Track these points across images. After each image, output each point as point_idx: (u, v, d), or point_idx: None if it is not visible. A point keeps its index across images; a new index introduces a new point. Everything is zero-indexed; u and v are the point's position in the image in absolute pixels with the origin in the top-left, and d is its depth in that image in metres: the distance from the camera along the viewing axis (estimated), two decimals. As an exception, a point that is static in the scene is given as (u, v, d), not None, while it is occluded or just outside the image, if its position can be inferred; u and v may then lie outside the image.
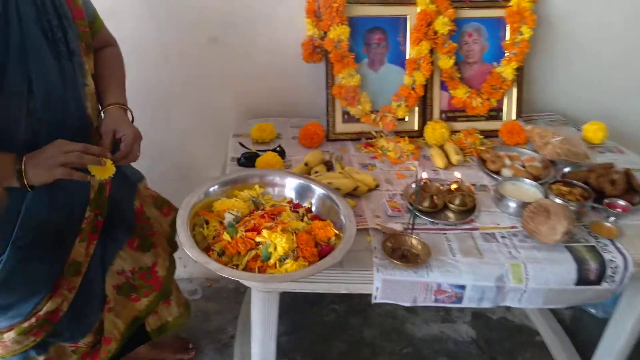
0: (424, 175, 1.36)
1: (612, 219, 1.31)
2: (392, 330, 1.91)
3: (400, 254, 1.17)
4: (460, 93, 1.64)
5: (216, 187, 1.19)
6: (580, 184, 1.36)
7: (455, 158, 1.54)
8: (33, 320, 1.20)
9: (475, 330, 1.94)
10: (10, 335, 1.22)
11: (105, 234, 1.30)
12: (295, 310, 1.97)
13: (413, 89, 1.62)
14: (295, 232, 1.08)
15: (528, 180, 1.40)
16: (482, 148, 1.62)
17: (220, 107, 1.78)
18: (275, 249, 1.01)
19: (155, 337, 1.50)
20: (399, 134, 1.66)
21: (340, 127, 1.64)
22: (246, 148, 1.54)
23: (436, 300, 1.15)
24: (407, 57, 1.62)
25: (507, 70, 1.63)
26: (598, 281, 1.18)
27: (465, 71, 1.67)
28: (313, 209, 1.23)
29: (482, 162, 1.54)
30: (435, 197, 1.35)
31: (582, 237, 1.26)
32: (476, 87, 1.68)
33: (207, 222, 1.13)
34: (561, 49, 1.81)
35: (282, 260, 1.01)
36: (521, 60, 1.65)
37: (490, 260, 1.17)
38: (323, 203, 1.21)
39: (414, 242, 1.19)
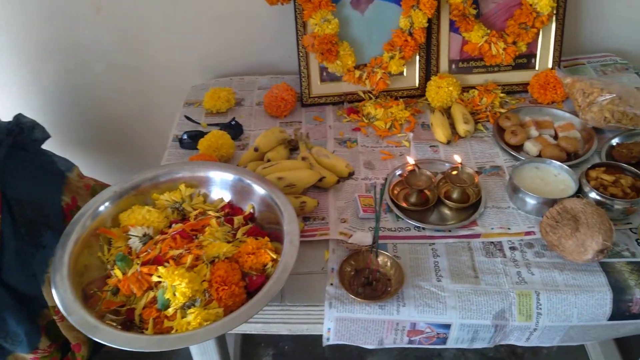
0: (411, 160, 1.02)
1: (674, 219, 0.94)
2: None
3: (364, 279, 0.88)
4: (476, 36, 1.22)
5: (111, 199, 0.90)
6: (632, 169, 0.98)
7: (462, 128, 1.17)
8: None
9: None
10: None
11: (30, 241, 1.11)
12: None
13: (411, 34, 1.22)
14: (213, 262, 0.81)
15: (557, 163, 1.02)
16: (503, 111, 1.23)
17: (172, 67, 1.45)
18: (175, 293, 0.74)
19: None
20: (394, 94, 1.29)
21: (318, 88, 1.29)
22: (194, 122, 1.24)
23: (410, 342, 0.87)
24: (404, -10, 1.21)
25: (542, 1, 1.18)
26: (644, 314, 0.85)
27: (484, 5, 1.24)
28: (256, 214, 0.94)
29: (500, 132, 1.17)
30: (426, 190, 1.02)
31: (626, 247, 0.91)
32: (499, 27, 1.26)
33: (110, 243, 0.88)
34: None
35: (186, 307, 0.75)
36: (564, -15, 1.20)
37: (489, 287, 0.86)
38: (267, 208, 0.92)
39: (385, 261, 0.89)
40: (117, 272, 0.80)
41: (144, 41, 1.40)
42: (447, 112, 1.24)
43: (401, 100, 1.26)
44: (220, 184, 0.95)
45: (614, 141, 1.11)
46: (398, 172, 1.06)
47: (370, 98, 1.29)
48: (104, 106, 1.53)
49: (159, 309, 0.75)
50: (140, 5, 1.33)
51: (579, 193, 0.97)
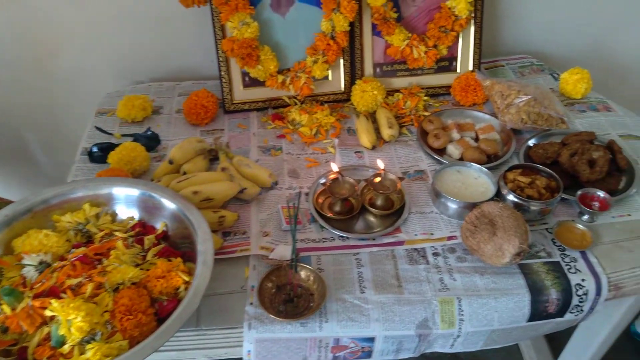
0: (334, 168, 1.00)
1: (586, 217, 0.97)
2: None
3: (286, 296, 0.84)
4: (397, 40, 1.22)
5: (1, 224, 0.81)
6: (546, 169, 1.00)
7: (387, 133, 1.16)
8: None
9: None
10: None
11: None
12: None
13: (333, 37, 1.20)
14: (117, 289, 0.74)
15: (477, 166, 1.03)
16: (427, 114, 1.23)
17: (84, 71, 1.35)
18: (71, 329, 0.68)
19: None
20: (320, 99, 1.27)
21: (241, 93, 1.24)
22: (106, 133, 1.16)
23: (335, 358, 0.84)
24: (325, -8, 1.19)
25: (460, 4, 1.20)
26: (560, 313, 0.87)
27: (405, 9, 1.24)
28: (170, 232, 0.88)
29: (424, 135, 1.17)
30: (350, 198, 1.00)
31: (543, 247, 0.92)
32: (420, 30, 1.26)
33: (1, 273, 0.79)
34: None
35: (84, 343, 0.68)
36: (481, -11, 1.22)
37: (412, 296, 0.85)
38: (181, 225, 0.86)
39: (307, 274, 0.86)
40: (5, 308, 0.71)
41: (49, 38, 1.29)
42: (372, 116, 1.23)
43: (327, 105, 1.24)
44: (126, 201, 0.88)
45: (531, 142, 1.13)
46: (322, 181, 1.04)
47: (296, 103, 1.25)
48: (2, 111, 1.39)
49: (53, 346, 0.68)
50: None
51: (498, 195, 0.98)
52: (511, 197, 0.95)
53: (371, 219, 1.00)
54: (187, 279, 0.77)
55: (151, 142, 1.12)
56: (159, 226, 0.88)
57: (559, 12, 1.42)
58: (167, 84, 1.34)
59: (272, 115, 1.23)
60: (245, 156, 1.11)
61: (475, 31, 1.26)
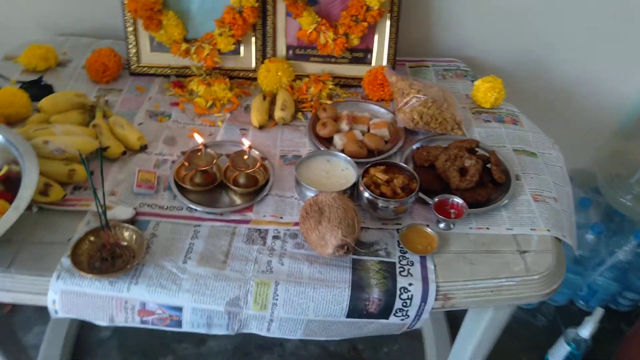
0: (199, 138, 0.99)
1: (442, 225, 0.95)
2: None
3: (107, 253, 0.84)
4: (305, 23, 1.20)
5: None
6: (410, 170, 0.98)
7: (277, 115, 1.15)
8: None
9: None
10: None
11: None
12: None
13: (240, 12, 1.19)
14: None
15: (347, 158, 1.02)
16: (328, 102, 1.21)
17: (7, 21, 1.37)
18: None
19: None
20: (230, 73, 1.26)
21: (148, 57, 1.24)
22: (2, 77, 1.17)
23: (143, 322, 0.84)
24: (237, -37, 1.17)
25: (374, -5, 1.17)
26: (384, 314, 0.85)
27: (323, -8, 1.22)
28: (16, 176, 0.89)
29: (316, 122, 1.15)
30: (215, 171, 0.99)
31: (385, 247, 0.91)
32: (335, 17, 1.24)
33: None
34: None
35: None
36: (399, -18, 1.19)
37: (232, 273, 0.84)
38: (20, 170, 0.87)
39: (130, 236, 0.86)
40: None
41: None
42: (274, 98, 1.21)
43: (228, 79, 1.23)
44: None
45: (420, 144, 1.11)
46: (182, 150, 1.03)
47: (201, 75, 1.24)
48: None
49: None
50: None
51: (355, 190, 0.96)
52: (366, 193, 0.93)
53: (232, 195, 0.99)
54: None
55: (40, 91, 1.12)
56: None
57: (496, 22, 1.38)
58: (85, 40, 1.35)
59: (174, 83, 1.22)
60: (130, 118, 1.11)
61: (391, 26, 1.23)
